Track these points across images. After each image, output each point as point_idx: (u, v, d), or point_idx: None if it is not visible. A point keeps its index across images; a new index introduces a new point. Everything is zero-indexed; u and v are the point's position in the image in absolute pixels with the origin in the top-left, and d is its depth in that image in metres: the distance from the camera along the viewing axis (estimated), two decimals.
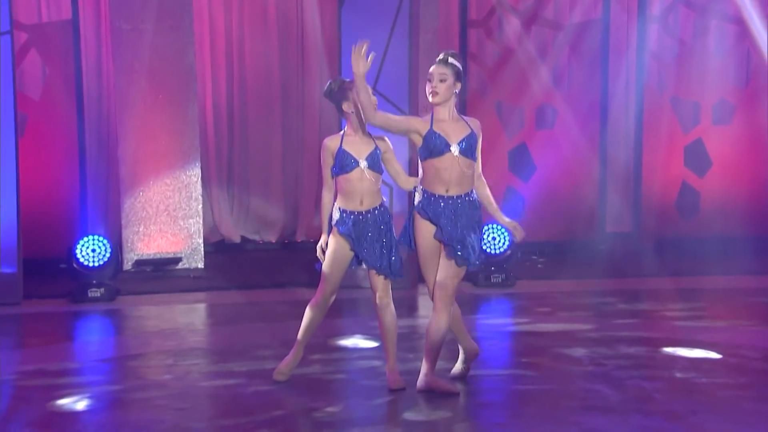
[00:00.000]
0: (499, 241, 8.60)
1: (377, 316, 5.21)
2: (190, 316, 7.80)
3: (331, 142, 5.16)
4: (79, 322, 7.59)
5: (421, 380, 5.13)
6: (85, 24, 9.58)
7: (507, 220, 5.20)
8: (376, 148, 5.13)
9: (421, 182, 5.07)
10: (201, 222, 9.46)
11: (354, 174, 5.09)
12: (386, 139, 5.24)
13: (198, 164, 9.44)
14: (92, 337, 7.30)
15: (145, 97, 9.18)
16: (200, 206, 9.45)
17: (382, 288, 5.14)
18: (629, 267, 9.42)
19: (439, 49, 10.08)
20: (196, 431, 4.66)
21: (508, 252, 8.61)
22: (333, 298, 5.22)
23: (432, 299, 5.03)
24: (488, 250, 8.56)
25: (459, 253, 4.94)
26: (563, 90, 10.31)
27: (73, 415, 5.01)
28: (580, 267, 9.30)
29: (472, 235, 5.00)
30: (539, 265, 9.52)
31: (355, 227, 5.11)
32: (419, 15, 8.78)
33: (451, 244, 4.95)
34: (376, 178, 5.15)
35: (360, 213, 5.13)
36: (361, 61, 4.88)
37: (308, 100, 10.53)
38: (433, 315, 5.02)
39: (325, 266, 5.16)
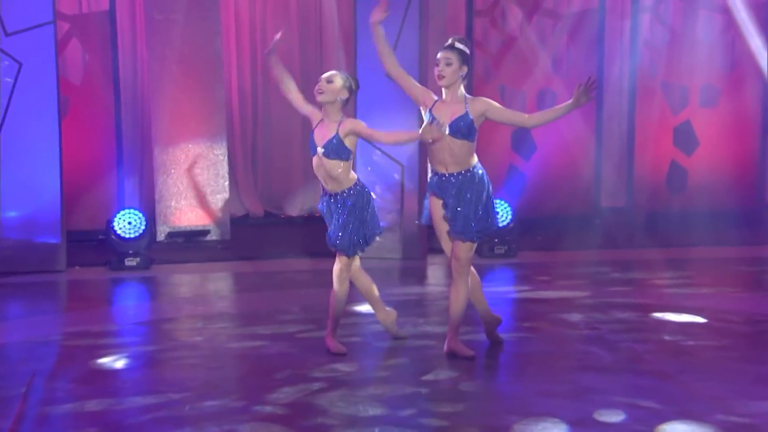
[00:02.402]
0: (502, 216, 8.57)
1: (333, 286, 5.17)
2: (218, 283, 7.83)
3: (312, 122, 5.13)
4: (118, 288, 7.63)
5: (446, 345, 5.15)
6: (121, 14, 9.57)
7: (572, 101, 4.84)
8: (335, 135, 4.96)
9: (429, 160, 5.04)
10: (227, 197, 9.48)
11: (314, 160, 5.06)
12: (357, 121, 5.09)
13: (225, 144, 9.44)
14: (129, 302, 7.34)
15: (176, 81, 9.17)
16: (227, 183, 9.46)
17: (345, 262, 5.12)
18: (623, 239, 9.39)
19: (447, 36, 10.03)
20: (224, 388, 4.68)
21: (511, 225, 8.59)
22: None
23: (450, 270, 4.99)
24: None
25: (456, 229, 4.90)
26: (562, 75, 10.23)
27: (113, 373, 5.05)
28: (577, 239, 9.27)
29: (473, 209, 4.90)
30: (539, 238, 9.50)
31: (326, 206, 5.14)
32: (429, 5, 8.71)
33: (451, 222, 4.91)
34: (333, 165, 5.00)
35: (329, 194, 5.09)
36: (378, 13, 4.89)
37: None
38: (452, 286, 5.02)
39: None
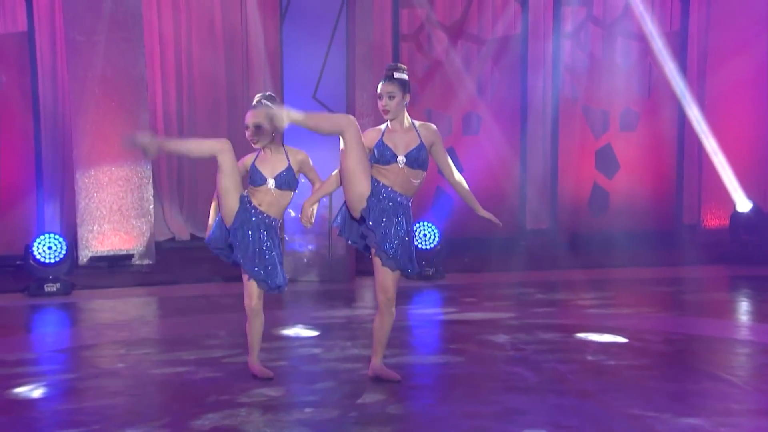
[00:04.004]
0: (430, 238, 8.63)
1: (248, 317, 5.12)
2: (141, 308, 7.67)
3: (247, 159, 5.08)
4: (36, 315, 7.41)
5: (370, 368, 5.15)
6: (40, 35, 9.39)
7: (485, 213, 5.14)
8: (288, 167, 4.97)
9: (375, 175, 4.86)
10: (152, 221, 9.33)
11: (262, 188, 5.01)
12: (302, 153, 5.07)
13: (149, 166, 9.31)
14: (48, 329, 7.13)
15: (99, 104, 9.03)
16: (151, 206, 9.32)
17: (258, 294, 5.07)
18: (546, 260, 9.54)
19: (373, 60, 10.17)
20: (147, 416, 4.58)
21: (438, 247, 8.66)
22: None
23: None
24: (420, 246, 8.59)
25: (394, 260, 4.86)
26: (487, 99, 10.41)
27: (30, 403, 4.89)
28: (503, 261, 9.39)
29: (411, 246, 4.89)
30: (466, 260, 9.60)
31: (257, 219, 4.99)
32: (355, 29, 8.78)
33: (393, 254, 4.82)
34: (282, 195, 5.00)
35: (264, 214, 5.01)
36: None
37: None
38: (378, 314, 5.03)
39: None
